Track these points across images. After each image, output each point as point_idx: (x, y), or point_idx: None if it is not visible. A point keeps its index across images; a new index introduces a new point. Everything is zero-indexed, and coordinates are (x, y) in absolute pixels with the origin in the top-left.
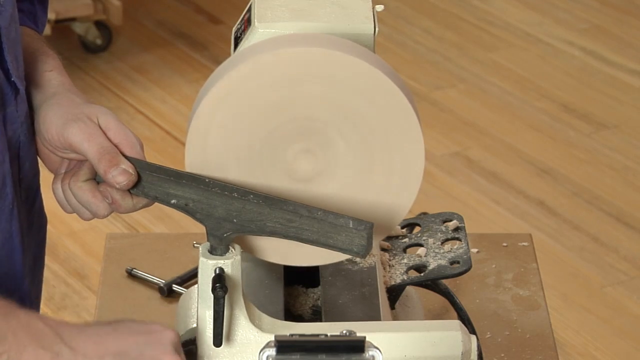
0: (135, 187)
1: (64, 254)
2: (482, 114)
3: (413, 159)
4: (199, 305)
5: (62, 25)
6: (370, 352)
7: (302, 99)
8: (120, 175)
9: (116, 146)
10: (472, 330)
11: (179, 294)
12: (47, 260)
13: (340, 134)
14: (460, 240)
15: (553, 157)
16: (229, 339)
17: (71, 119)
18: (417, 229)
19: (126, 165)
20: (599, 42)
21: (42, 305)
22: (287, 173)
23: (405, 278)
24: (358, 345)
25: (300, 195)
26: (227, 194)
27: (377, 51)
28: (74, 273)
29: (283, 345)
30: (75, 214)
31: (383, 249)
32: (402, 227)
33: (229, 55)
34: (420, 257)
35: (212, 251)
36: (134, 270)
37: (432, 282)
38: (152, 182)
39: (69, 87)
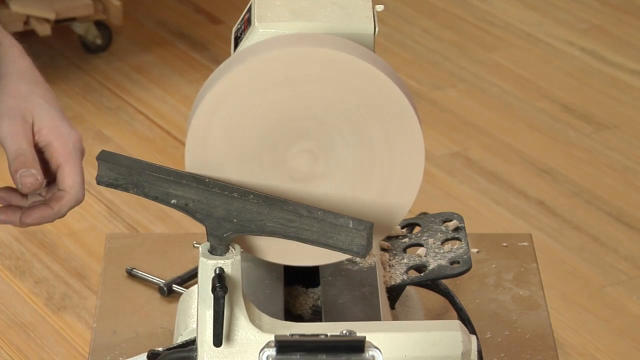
0: (135, 187)
1: (64, 254)
2: (482, 114)
3: (413, 158)
4: (199, 305)
5: (62, 25)
6: (370, 352)
7: (302, 99)
8: (28, 177)
9: (45, 146)
10: (472, 330)
11: (179, 294)
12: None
13: (340, 134)
14: (460, 240)
15: (553, 157)
16: (229, 339)
17: (5, 114)
18: (417, 229)
19: (37, 171)
20: (599, 42)
21: (42, 305)
22: (287, 173)
23: (405, 278)
24: (358, 345)
25: (300, 195)
26: (227, 194)
27: (377, 51)
28: (74, 273)
29: (283, 345)
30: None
31: (383, 249)
32: (402, 227)
33: (229, 55)
34: (420, 257)
35: (212, 251)
36: (134, 270)
37: (432, 282)
38: (152, 182)
39: (20, 68)
